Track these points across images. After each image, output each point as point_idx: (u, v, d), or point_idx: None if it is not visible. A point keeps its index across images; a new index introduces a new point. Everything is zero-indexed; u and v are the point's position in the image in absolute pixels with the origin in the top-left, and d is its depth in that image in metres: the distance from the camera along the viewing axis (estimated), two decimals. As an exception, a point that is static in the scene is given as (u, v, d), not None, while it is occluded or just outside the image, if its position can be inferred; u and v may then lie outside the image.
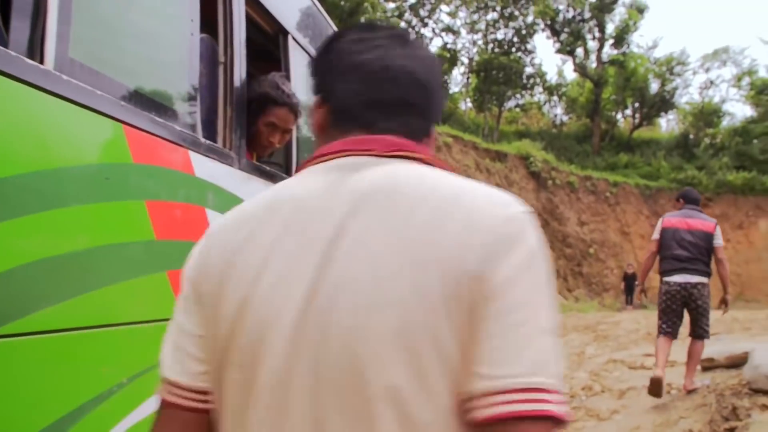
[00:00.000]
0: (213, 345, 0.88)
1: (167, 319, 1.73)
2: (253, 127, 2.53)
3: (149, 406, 1.67)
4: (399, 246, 0.78)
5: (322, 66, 1.01)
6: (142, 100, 1.74)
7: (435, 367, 0.74)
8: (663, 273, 6.00)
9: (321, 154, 0.93)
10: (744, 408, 4.50)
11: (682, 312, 5.89)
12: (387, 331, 0.75)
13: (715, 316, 6.36)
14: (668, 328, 5.91)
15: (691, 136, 37.72)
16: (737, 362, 6.16)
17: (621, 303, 23.91)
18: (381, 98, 0.96)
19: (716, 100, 39.84)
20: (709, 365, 6.47)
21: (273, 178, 2.48)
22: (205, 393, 0.89)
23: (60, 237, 1.37)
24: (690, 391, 5.79)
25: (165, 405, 0.91)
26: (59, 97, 1.37)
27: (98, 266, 1.48)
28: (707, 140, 37.29)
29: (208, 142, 2.03)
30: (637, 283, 6.24)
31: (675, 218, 6.16)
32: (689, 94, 46.81)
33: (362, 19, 21.94)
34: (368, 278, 0.77)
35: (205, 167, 1.97)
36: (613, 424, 5.45)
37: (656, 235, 6.18)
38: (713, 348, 6.84)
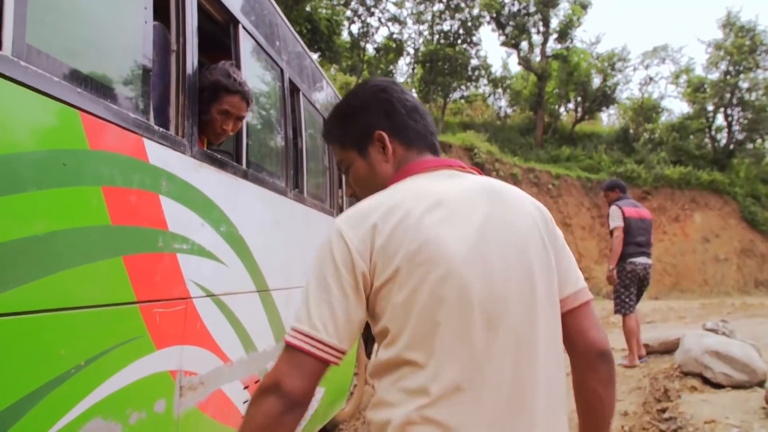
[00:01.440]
0: None
1: (122, 303, 1.77)
2: (207, 116, 2.56)
3: (106, 389, 1.70)
4: (518, 220, 1.36)
5: (384, 108, 1.49)
6: (97, 87, 1.76)
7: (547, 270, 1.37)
8: (628, 255, 6.76)
9: (425, 168, 1.44)
10: (675, 390, 4.74)
11: None
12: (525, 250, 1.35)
13: (652, 305, 6.93)
14: (632, 305, 6.76)
15: (631, 131, 38.71)
16: (670, 348, 6.46)
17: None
18: (432, 130, 1.54)
19: (655, 96, 40.95)
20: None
21: (223, 166, 2.51)
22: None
23: (19, 221, 1.39)
24: (634, 366, 6.47)
25: None
26: (17, 83, 1.39)
27: (56, 250, 1.51)
28: (646, 135, 38.33)
29: (161, 129, 2.05)
30: (610, 267, 6.69)
31: (629, 208, 6.91)
32: (630, 89, 48.13)
33: (308, 8, 21.73)
34: (509, 232, 1.34)
35: (159, 154, 2.00)
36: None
37: (621, 223, 6.82)
38: (649, 335, 7.15)
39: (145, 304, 1.89)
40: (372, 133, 1.48)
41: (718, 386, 4.68)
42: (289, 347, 1.24)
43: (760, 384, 4.48)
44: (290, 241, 3.46)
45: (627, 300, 6.73)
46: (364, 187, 1.52)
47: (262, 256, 2.87)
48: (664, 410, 4.46)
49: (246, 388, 2.76)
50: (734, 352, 4.70)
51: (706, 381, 4.79)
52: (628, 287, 6.74)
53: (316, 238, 4.04)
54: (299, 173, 3.70)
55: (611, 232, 6.82)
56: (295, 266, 3.55)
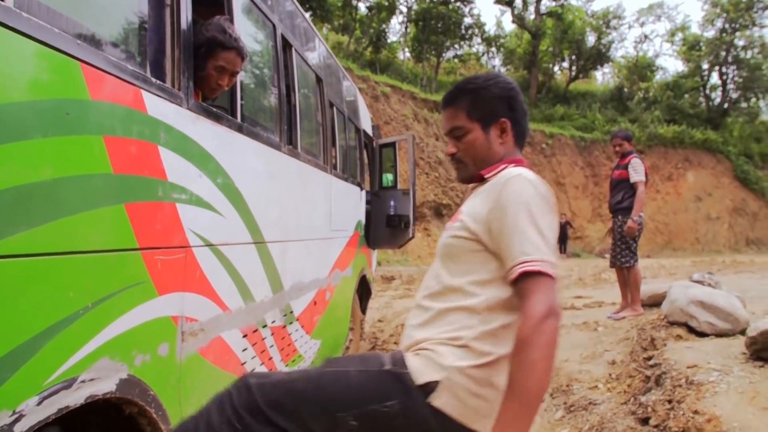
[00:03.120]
0: None
1: (125, 249, 1.84)
2: (203, 71, 2.60)
3: (112, 331, 1.78)
4: None
5: (510, 103, 1.85)
6: (95, 39, 1.80)
7: None
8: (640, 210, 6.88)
9: (523, 163, 1.84)
10: (661, 339, 4.87)
11: None
12: None
13: (643, 263, 7.15)
14: (637, 257, 6.97)
15: (626, 90, 38.64)
16: (658, 301, 6.59)
17: (554, 251, 24.67)
18: None
19: (650, 54, 40.92)
20: (632, 304, 6.97)
21: (219, 119, 2.56)
22: None
23: (26, 167, 1.45)
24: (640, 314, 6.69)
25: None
26: (20, 34, 1.43)
27: (62, 196, 1.57)
28: (640, 94, 38.27)
29: (158, 81, 2.10)
30: (634, 218, 6.73)
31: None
32: (624, 47, 47.96)
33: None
34: None
35: (156, 106, 2.05)
36: (543, 359, 5.79)
37: (644, 177, 6.89)
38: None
39: (146, 251, 1.96)
40: (499, 117, 1.84)
41: (702, 335, 4.81)
42: (546, 277, 1.54)
43: (743, 332, 4.60)
44: (285, 195, 3.53)
45: (635, 251, 6.96)
46: (473, 155, 1.86)
47: (257, 208, 2.94)
48: (649, 358, 4.60)
49: (245, 336, 2.85)
50: (719, 302, 4.82)
51: (691, 330, 4.92)
52: (636, 239, 6.96)
53: (310, 192, 4.11)
54: (293, 129, 3.74)
55: (632, 185, 6.86)
56: (291, 219, 3.62)
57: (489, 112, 1.84)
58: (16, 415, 1.41)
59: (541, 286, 1.52)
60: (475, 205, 1.75)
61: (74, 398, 1.61)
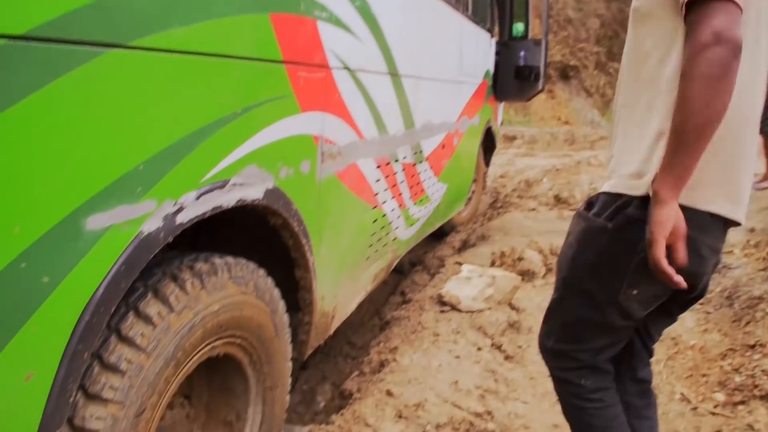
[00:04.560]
0: None
1: (271, 60, 1.84)
2: None
3: (259, 140, 1.81)
4: None
5: None
6: None
7: None
8: None
9: None
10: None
11: None
12: None
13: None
14: None
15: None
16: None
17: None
18: None
19: None
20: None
21: None
22: None
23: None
24: None
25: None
26: None
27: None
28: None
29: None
30: None
31: None
32: None
33: None
34: None
35: None
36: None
37: None
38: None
39: (290, 65, 1.95)
40: None
41: None
42: (723, 1, 1.30)
43: None
44: (418, 29, 3.41)
45: None
46: None
47: (392, 38, 2.86)
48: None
49: (378, 167, 2.87)
50: None
51: None
52: None
53: (442, 31, 3.97)
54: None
55: None
56: (423, 56, 3.53)
57: None
58: (178, 206, 1.48)
59: (712, 11, 1.30)
60: None
61: (227, 199, 1.67)
